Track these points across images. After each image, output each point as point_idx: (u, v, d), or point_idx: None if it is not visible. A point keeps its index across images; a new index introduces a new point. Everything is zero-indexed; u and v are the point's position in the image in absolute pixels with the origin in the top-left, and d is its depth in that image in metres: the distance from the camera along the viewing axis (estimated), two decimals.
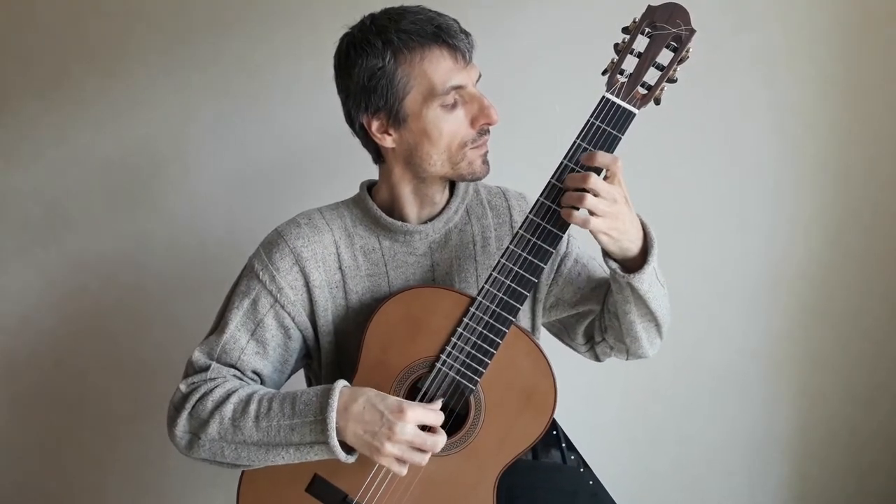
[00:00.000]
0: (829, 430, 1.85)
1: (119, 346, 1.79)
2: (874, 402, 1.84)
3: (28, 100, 1.70)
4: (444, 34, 1.06)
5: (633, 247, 1.06)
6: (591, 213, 1.00)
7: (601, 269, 1.26)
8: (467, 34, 1.09)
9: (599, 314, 1.24)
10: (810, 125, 1.71)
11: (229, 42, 1.68)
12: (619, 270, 1.08)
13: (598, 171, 1.02)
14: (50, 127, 1.71)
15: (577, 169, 1.03)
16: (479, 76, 1.12)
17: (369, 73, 1.07)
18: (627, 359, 1.25)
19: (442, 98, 1.07)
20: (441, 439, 1.02)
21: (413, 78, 1.07)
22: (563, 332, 1.33)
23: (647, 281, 1.08)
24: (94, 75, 1.69)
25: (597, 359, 1.31)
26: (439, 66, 1.06)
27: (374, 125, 1.11)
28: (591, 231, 1.01)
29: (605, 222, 1.01)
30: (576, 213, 1.01)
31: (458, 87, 1.08)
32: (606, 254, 1.08)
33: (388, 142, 1.12)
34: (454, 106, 1.08)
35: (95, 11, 1.67)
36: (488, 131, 1.12)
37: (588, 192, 0.99)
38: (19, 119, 1.71)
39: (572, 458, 1.27)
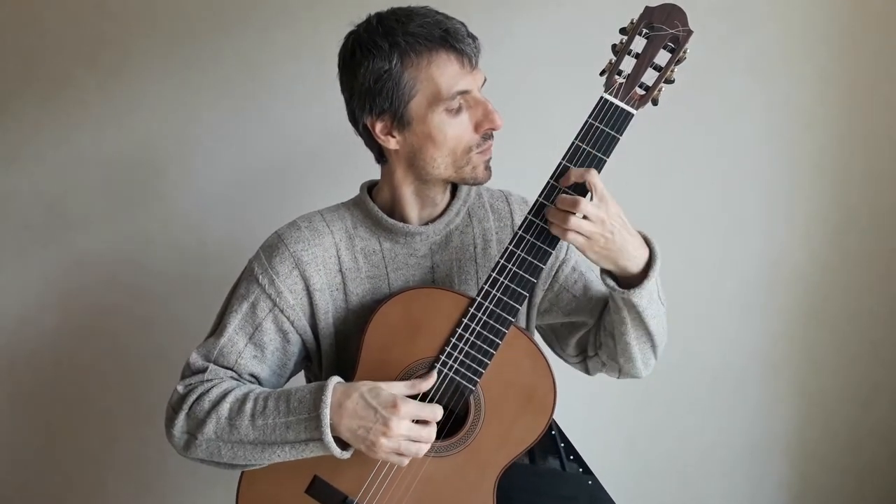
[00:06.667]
0: (828, 430, 1.85)
1: (119, 345, 1.79)
2: (872, 402, 1.84)
3: (29, 100, 1.70)
4: (451, 38, 1.06)
5: (630, 265, 1.06)
6: (578, 233, 1.01)
7: (599, 281, 1.26)
8: (474, 38, 1.09)
9: (594, 329, 1.23)
10: (808, 126, 1.71)
11: (230, 42, 1.68)
12: (616, 287, 1.08)
13: (583, 191, 1.02)
14: (51, 127, 1.71)
15: (566, 190, 1.04)
16: (485, 81, 1.12)
17: (375, 75, 1.06)
18: (619, 377, 1.24)
19: (447, 103, 1.07)
20: (432, 430, 1.03)
21: (419, 82, 1.06)
22: (553, 341, 1.32)
23: (647, 297, 1.08)
24: (94, 76, 1.69)
25: (587, 372, 1.30)
26: (446, 71, 1.06)
27: (378, 127, 1.11)
28: (580, 250, 1.03)
29: (590, 243, 1.02)
30: (563, 230, 1.02)
31: (463, 92, 1.08)
32: (604, 271, 1.09)
33: (391, 143, 1.12)
34: (459, 111, 1.08)
35: (96, 12, 1.67)
36: (492, 136, 1.12)
37: (574, 214, 1.01)
38: (20, 120, 1.71)
39: (571, 458, 1.27)
